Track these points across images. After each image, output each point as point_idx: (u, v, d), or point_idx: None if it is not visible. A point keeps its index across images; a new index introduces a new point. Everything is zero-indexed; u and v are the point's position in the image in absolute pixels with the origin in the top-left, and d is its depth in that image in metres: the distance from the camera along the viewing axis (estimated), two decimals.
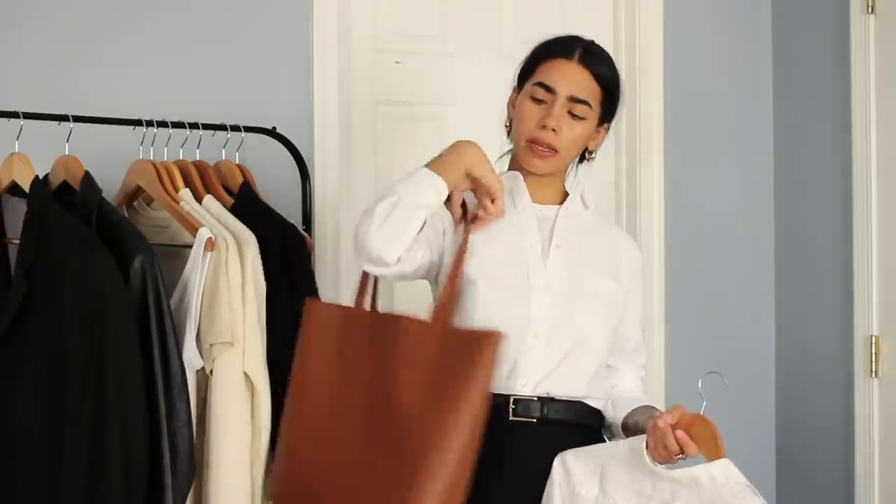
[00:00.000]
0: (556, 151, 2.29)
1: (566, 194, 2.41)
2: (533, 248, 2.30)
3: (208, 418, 2.39)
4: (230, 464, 2.37)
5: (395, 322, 2.13)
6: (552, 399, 2.25)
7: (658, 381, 3.35)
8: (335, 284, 3.01)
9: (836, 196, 3.33)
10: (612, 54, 2.40)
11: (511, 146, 2.40)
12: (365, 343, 2.14)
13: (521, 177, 2.36)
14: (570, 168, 2.42)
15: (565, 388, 2.26)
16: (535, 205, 2.36)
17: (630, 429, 2.31)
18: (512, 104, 2.38)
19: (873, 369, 3.22)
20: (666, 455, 2.11)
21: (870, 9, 3.23)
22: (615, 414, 2.36)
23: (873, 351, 3.22)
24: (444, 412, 2.05)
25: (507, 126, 2.40)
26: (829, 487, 3.35)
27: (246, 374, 2.39)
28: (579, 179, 2.44)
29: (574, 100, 2.28)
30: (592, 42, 2.35)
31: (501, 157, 2.43)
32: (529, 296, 2.25)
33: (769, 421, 3.53)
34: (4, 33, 2.79)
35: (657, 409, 2.28)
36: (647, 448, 2.13)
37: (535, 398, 2.24)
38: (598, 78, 2.31)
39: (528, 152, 2.32)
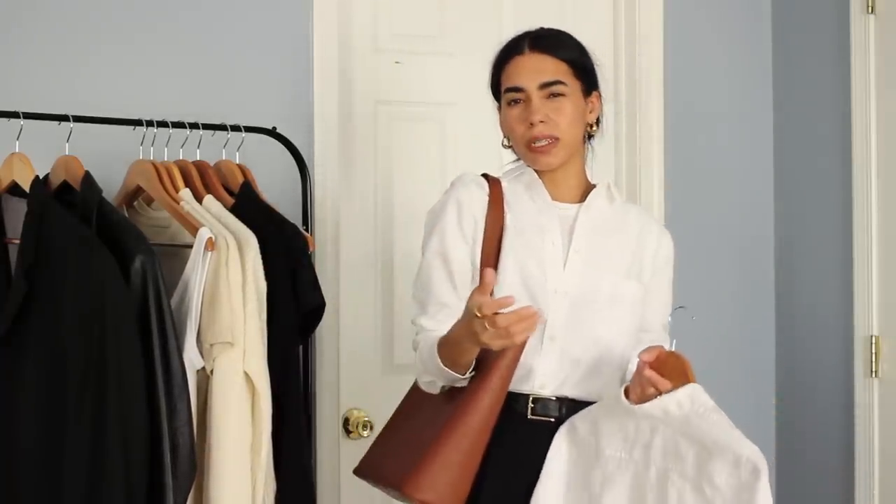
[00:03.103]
0: (556, 139, 2.27)
1: (589, 188, 2.38)
2: (554, 249, 2.28)
3: (209, 418, 2.39)
4: (231, 463, 2.37)
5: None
6: (570, 399, 2.26)
7: None
8: (335, 283, 3.01)
9: (836, 196, 3.33)
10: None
11: (517, 158, 2.38)
12: None
13: (535, 172, 2.33)
14: (586, 153, 2.39)
15: (583, 391, 2.27)
16: (556, 203, 2.33)
17: None
18: (502, 123, 2.37)
19: (873, 369, 3.22)
20: (643, 395, 2.13)
21: (870, 9, 3.23)
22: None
23: (873, 351, 3.22)
24: (463, 397, 2.14)
25: (505, 145, 2.38)
26: (829, 487, 3.35)
27: (246, 374, 2.39)
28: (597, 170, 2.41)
29: (544, 85, 2.27)
30: (541, 28, 2.35)
31: (510, 164, 2.41)
32: (546, 299, 2.24)
33: (769, 421, 3.53)
34: (4, 33, 2.78)
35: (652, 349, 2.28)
36: (624, 392, 2.16)
37: (554, 398, 2.25)
38: (557, 55, 2.29)
39: (532, 155, 2.29)
